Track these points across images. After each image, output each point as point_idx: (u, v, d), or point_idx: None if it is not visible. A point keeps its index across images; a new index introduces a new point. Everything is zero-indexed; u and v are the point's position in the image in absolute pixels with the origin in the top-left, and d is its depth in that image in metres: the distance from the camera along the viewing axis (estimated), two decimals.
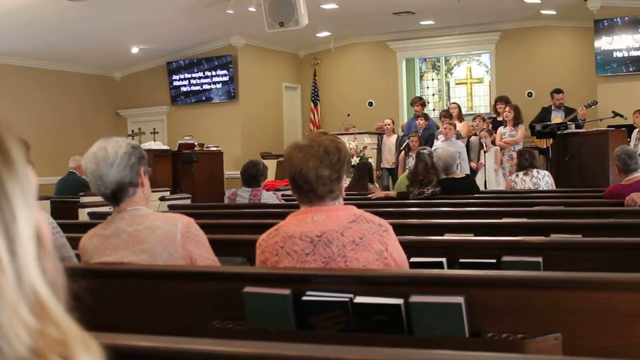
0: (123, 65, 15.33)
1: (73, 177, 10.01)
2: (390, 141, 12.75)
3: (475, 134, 11.56)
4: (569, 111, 11.61)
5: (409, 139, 11.44)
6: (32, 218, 0.80)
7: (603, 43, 12.43)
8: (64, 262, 3.15)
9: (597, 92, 12.37)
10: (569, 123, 11.11)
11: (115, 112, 15.68)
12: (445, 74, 15.82)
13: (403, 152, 11.62)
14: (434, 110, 15.54)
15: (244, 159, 7.94)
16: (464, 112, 13.36)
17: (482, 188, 9.56)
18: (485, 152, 10.74)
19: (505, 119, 11.14)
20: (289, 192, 5.82)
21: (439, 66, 15.86)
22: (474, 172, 10.72)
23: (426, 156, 7.56)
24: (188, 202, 9.67)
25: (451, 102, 13.74)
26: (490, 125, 11.59)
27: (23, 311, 0.75)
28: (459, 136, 11.43)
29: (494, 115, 12.29)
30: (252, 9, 11.35)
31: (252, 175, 7.01)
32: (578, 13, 12.84)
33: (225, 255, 3.29)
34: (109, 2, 10.83)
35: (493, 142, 10.89)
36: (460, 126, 12.05)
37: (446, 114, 12.15)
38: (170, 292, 2.69)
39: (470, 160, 10.95)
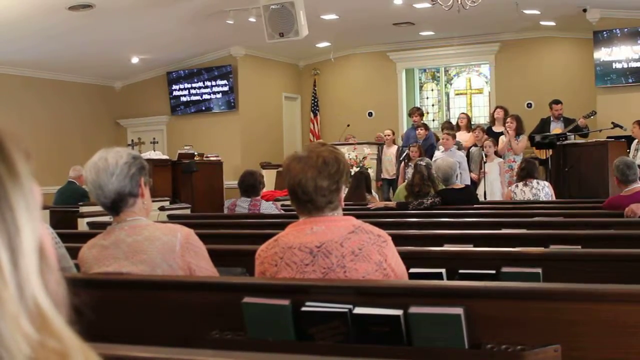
0: (123, 75, 15.36)
1: (73, 186, 10.02)
2: (391, 152, 12.77)
3: (476, 145, 11.57)
4: (568, 122, 11.64)
5: (408, 149, 11.45)
6: (36, 231, 0.80)
7: (602, 54, 12.46)
8: (63, 273, 3.15)
9: (597, 103, 12.39)
10: (568, 134, 11.13)
11: (115, 121, 15.70)
12: (445, 85, 15.85)
13: (403, 162, 11.63)
14: (433, 120, 15.58)
15: (244, 168, 7.94)
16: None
17: (481, 199, 9.55)
18: (484, 162, 10.73)
19: (507, 129, 11.17)
20: (289, 202, 5.83)
21: (438, 77, 15.89)
22: (474, 183, 10.70)
23: (423, 167, 7.55)
24: (187, 212, 9.66)
25: (460, 112, 13.75)
26: (485, 135, 11.59)
27: (24, 322, 0.76)
28: (460, 146, 11.43)
29: (489, 125, 12.32)
30: (252, 20, 11.37)
31: (250, 185, 7.01)
32: (577, 24, 12.87)
33: (224, 266, 3.29)
34: (109, 13, 10.86)
35: (496, 153, 10.88)
36: (465, 137, 12.06)
37: (448, 126, 12.19)
38: (169, 302, 2.69)
39: (470, 171, 10.94)
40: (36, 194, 0.82)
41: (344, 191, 2.77)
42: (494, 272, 3.14)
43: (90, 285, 2.85)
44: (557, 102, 11.82)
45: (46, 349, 0.76)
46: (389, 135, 12.94)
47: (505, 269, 3.13)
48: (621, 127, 10.84)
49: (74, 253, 3.18)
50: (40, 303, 0.78)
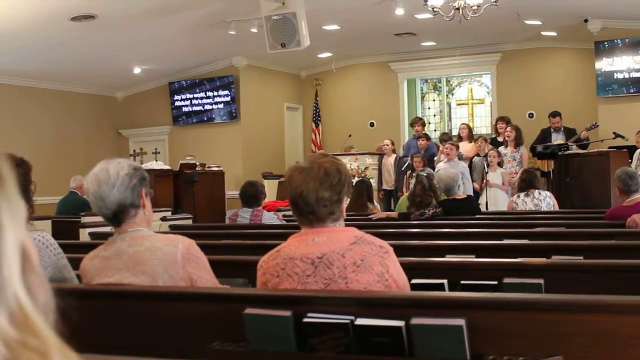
0: (125, 86, 15.39)
1: (74, 196, 10.02)
2: (389, 162, 12.76)
3: (478, 155, 11.56)
4: (569, 132, 11.62)
5: (411, 159, 11.44)
6: (19, 232, 0.81)
7: (604, 64, 12.47)
8: (65, 284, 3.16)
9: (598, 113, 12.39)
10: (570, 144, 11.11)
11: (117, 132, 15.72)
12: (447, 95, 15.86)
13: (407, 173, 11.62)
14: (435, 131, 15.58)
15: (245, 179, 7.95)
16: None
17: (483, 209, 9.53)
18: (487, 172, 10.71)
19: (506, 139, 11.16)
20: (290, 213, 5.82)
21: (440, 87, 15.91)
22: (477, 193, 10.67)
23: (424, 178, 7.54)
24: (189, 222, 9.66)
25: (461, 123, 13.76)
26: (489, 146, 11.58)
27: (2, 321, 0.76)
28: (460, 157, 11.42)
29: (494, 135, 12.32)
30: (254, 30, 11.40)
31: (252, 195, 7.01)
32: (579, 34, 12.89)
33: (226, 276, 3.28)
34: (111, 23, 10.88)
35: (499, 164, 10.85)
36: (467, 147, 12.04)
37: (446, 137, 12.21)
38: (170, 313, 2.69)
39: (473, 181, 10.92)
40: (21, 204, 0.83)
41: (346, 202, 2.77)
42: (496, 283, 3.13)
43: (92, 296, 2.85)
44: (554, 114, 11.77)
45: (26, 347, 0.76)
46: (387, 145, 12.94)
47: (507, 280, 3.12)
48: (623, 137, 10.83)
49: (75, 264, 3.17)
50: (22, 302, 0.78)
